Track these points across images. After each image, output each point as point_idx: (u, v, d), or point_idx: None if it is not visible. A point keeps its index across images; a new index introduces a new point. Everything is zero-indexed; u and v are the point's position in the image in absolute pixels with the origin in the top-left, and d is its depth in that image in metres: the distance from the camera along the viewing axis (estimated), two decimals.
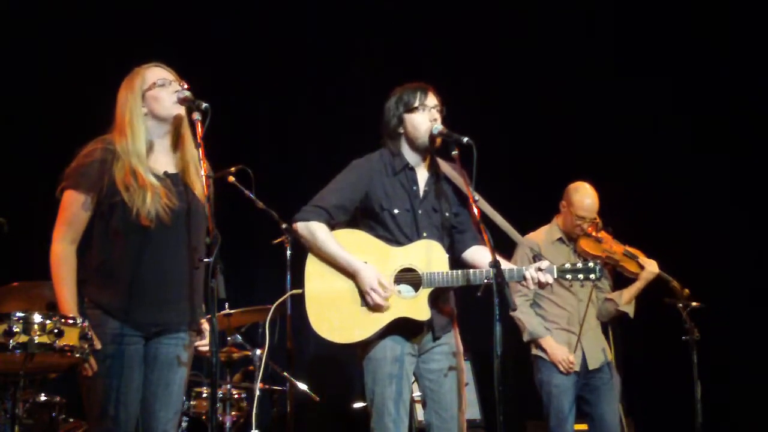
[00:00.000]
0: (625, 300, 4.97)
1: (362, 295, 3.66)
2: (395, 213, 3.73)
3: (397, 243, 3.72)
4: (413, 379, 3.76)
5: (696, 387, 4.76)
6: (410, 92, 3.79)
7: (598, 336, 4.98)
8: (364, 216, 3.79)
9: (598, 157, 6.34)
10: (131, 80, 3.37)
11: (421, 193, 3.80)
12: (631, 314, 5.00)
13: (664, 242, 5.15)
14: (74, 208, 3.25)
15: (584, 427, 5.06)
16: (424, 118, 3.75)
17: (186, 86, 3.35)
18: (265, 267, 6.10)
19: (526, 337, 4.95)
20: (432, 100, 3.78)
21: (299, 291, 3.76)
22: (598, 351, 4.92)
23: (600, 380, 4.89)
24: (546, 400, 4.87)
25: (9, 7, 5.69)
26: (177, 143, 3.40)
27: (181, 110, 3.33)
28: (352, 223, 3.81)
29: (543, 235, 5.04)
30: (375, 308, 3.63)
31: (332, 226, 3.74)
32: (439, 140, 3.74)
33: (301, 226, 3.73)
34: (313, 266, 3.73)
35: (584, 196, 4.91)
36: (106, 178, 3.23)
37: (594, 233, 4.88)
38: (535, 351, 4.93)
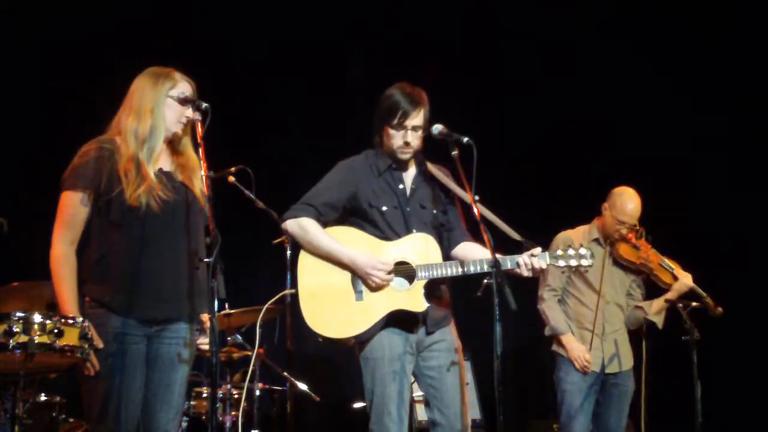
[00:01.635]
0: (654, 310, 4.96)
1: (357, 289, 3.66)
2: (384, 210, 3.74)
3: (388, 240, 3.73)
4: (413, 378, 3.76)
5: (696, 387, 4.75)
6: (396, 105, 3.71)
7: (620, 340, 4.98)
8: (353, 215, 3.80)
9: (598, 158, 6.35)
10: (161, 77, 3.37)
11: (408, 191, 3.81)
12: (660, 325, 4.98)
13: (663, 242, 5.14)
14: (72, 208, 3.26)
15: None
16: (399, 137, 3.73)
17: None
18: (265, 267, 6.09)
19: (547, 332, 4.96)
20: (414, 119, 3.71)
21: (293, 291, 3.77)
22: (618, 354, 4.93)
23: (613, 385, 4.91)
24: (560, 398, 4.89)
25: (9, 7, 5.69)
26: (176, 147, 3.43)
27: (180, 130, 3.37)
28: (341, 224, 3.82)
29: (580, 234, 5.03)
30: (378, 288, 3.63)
31: (323, 224, 3.75)
32: (405, 153, 3.74)
33: (291, 224, 3.75)
34: (305, 263, 3.73)
35: (628, 200, 4.88)
36: (104, 175, 3.25)
37: (633, 240, 4.88)
38: (555, 347, 4.95)
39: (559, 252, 3.70)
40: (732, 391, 5.87)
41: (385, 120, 3.75)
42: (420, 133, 3.74)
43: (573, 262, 3.70)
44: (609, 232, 4.94)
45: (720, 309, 4.90)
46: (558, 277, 4.92)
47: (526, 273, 3.61)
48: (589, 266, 3.75)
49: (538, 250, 3.62)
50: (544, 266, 3.62)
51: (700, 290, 4.92)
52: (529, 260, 3.59)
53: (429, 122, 3.74)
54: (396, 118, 3.71)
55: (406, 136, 3.72)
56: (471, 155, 3.54)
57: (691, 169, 6.41)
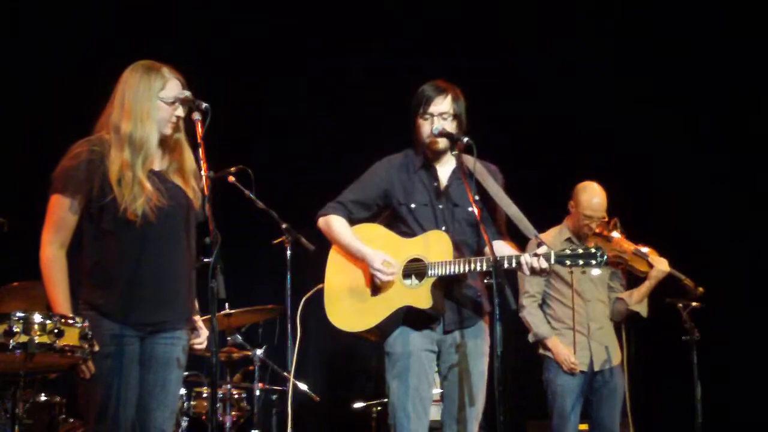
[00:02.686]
0: (636, 299, 4.97)
1: (372, 284, 3.71)
2: (412, 207, 3.76)
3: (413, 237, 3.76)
4: (434, 376, 3.78)
5: (696, 387, 4.76)
6: (420, 95, 3.76)
7: (607, 336, 4.99)
8: (390, 215, 3.85)
9: (599, 155, 6.35)
10: (152, 75, 3.30)
11: (442, 188, 3.81)
12: (644, 314, 4.99)
13: (664, 242, 5.14)
14: (62, 212, 3.21)
15: (585, 426, 5.08)
16: (427, 126, 3.74)
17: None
18: (265, 267, 6.10)
19: (531, 338, 4.99)
20: (439, 106, 3.72)
21: (321, 286, 3.85)
22: (605, 352, 4.94)
23: (603, 382, 4.92)
24: (550, 399, 4.91)
25: (9, 7, 5.69)
26: (169, 144, 3.38)
27: (170, 131, 3.32)
28: (385, 223, 3.87)
29: (551, 237, 5.02)
30: (383, 285, 3.68)
31: (353, 221, 3.83)
32: (435, 142, 3.74)
33: (321, 221, 3.87)
34: (332, 260, 3.85)
35: (591, 195, 4.89)
36: (95, 180, 3.20)
37: (605, 232, 4.88)
38: (541, 350, 4.97)
39: (567, 251, 3.62)
40: (732, 391, 5.87)
41: (415, 112, 3.77)
42: (449, 121, 3.72)
43: (581, 262, 3.59)
44: (578, 228, 4.94)
45: (701, 289, 4.90)
46: (535, 283, 4.93)
47: (527, 272, 3.58)
48: (598, 266, 3.66)
49: (543, 248, 3.58)
50: (545, 266, 3.56)
51: (677, 273, 4.91)
52: (531, 260, 3.55)
53: (463, 114, 3.74)
54: (422, 106, 3.73)
55: (434, 123, 3.71)
56: (471, 155, 3.54)
57: (686, 167, 6.42)
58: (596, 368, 4.90)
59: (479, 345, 3.73)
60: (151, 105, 3.26)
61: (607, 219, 4.88)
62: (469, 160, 3.77)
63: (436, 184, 3.80)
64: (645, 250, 4.93)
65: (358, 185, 3.88)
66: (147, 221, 3.20)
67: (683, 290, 4.93)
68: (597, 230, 4.87)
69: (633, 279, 5.07)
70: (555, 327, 4.94)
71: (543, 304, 5.00)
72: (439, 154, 3.81)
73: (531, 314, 4.95)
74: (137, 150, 3.24)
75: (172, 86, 3.32)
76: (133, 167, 3.22)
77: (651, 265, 4.89)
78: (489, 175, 3.75)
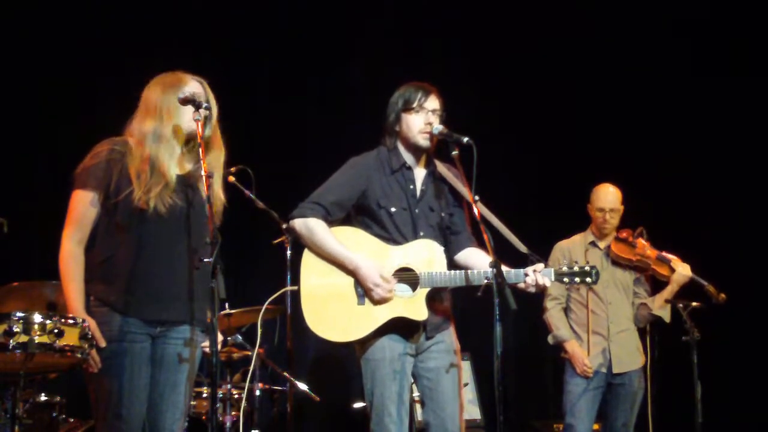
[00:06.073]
0: (658, 304, 5.01)
1: (359, 293, 3.65)
2: (392, 211, 3.73)
3: (394, 242, 3.71)
4: (412, 379, 3.76)
5: (696, 387, 4.76)
6: (412, 91, 3.76)
7: (629, 340, 5.04)
8: (360, 213, 3.78)
9: (598, 159, 6.35)
10: (175, 80, 3.36)
11: (418, 192, 3.79)
12: (666, 318, 5.03)
13: (666, 242, 5.14)
14: (81, 207, 3.27)
15: (597, 426, 5.13)
16: (419, 119, 3.73)
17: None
18: (266, 267, 6.09)
19: (550, 340, 5.09)
20: (432, 103, 3.75)
21: (294, 288, 3.76)
22: (626, 355, 4.99)
23: (620, 385, 4.98)
24: (564, 399, 5.01)
25: (11, 7, 5.69)
26: (190, 149, 3.40)
27: (191, 131, 3.33)
28: (346, 220, 3.80)
29: (577, 241, 5.17)
30: (379, 302, 3.61)
31: (329, 223, 3.73)
32: (434, 140, 3.74)
33: (299, 223, 3.73)
34: (309, 263, 3.71)
35: (602, 190, 5.11)
36: (114, 176, 3.25)
37: (630, 238, 4.96)
38: (563, 354, 5.06)
39: (564, 269, 3.65)
40: (732, 391, 5.87)
41: (404, 108, 3.75)
42: (438, 117, 3.74)
43: (577, 279, 3.65)
44: (598, 226, 5.09)
45: (723, 295, 4.93)
46: (558, 285, 4.94)
47: (531, 289, 3.58)
48: (593, 283, 3.69)
49: (541, 266, 3.59)
50: (548, 283, 3.58)
51: (699, 279, 4.96)
52: (533, 276, 3.56)
53: (443, 115, 3.76)
54: (416, 101, 3.73)
55: (428, 117, 3.72)
56: (471, 155, 3.54)
57: (691, 168, 6.41)
58: (615, 371, 4.96)
59: (453, 342, 3.76)
60: (173, 105, 3.30)
61: (622, 209, 5.05)
62: (440, 164, 3.79)
63: (412, 187, 3.79)
64: (669, 256, 5.00)
65: (334, 185, 3.76)
66: (159, 216, 3.23)
67: (706, 296, 4.95)
68: (622, 235, 4.93)
69: (657, 286, 5.10)
70: (576, 330, 5.03)
71: (566, 308, 5.09)
72: (422, 153, 3.80)
73: (553, 317, 5.06)
74: (160, 146, 3.28)
75: (192, 87, 3.34)
76: (153, 161, 3.26)
77: (674, 270, 4.96)
78: (459, 180, 3.74)
